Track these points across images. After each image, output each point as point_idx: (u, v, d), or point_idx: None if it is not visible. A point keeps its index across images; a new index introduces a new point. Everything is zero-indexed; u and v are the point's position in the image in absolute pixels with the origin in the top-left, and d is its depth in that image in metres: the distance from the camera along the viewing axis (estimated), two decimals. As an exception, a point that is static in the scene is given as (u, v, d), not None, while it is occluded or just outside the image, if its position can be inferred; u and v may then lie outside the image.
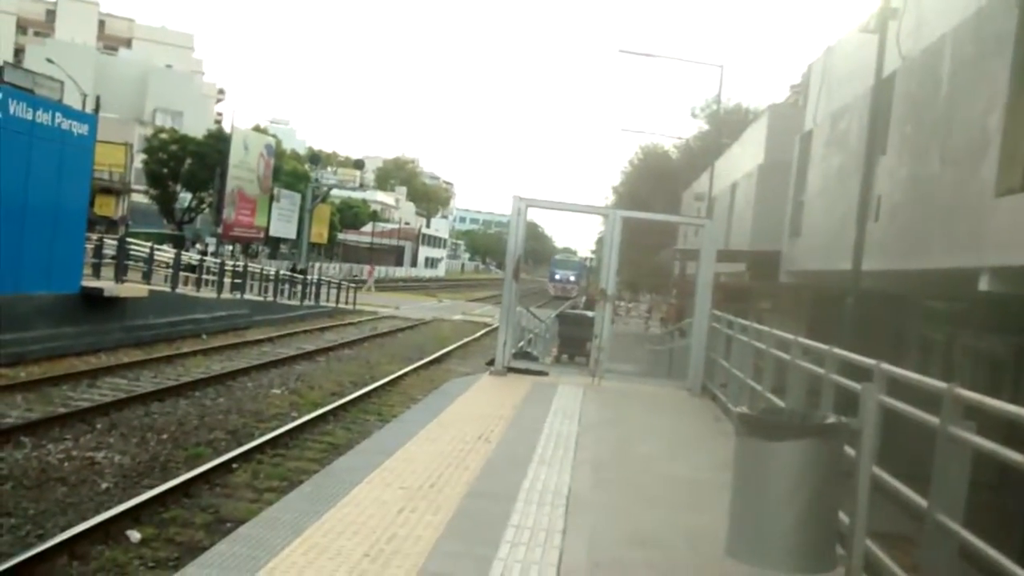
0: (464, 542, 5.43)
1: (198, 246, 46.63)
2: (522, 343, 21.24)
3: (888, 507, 6.14)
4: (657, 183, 49.76)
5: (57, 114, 19.10)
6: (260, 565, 4.69)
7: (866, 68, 12.65)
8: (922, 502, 4.78)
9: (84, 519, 9.11)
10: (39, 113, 18.40)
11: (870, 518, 6.05)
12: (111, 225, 48.80)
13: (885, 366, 5.69)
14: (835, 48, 16.27)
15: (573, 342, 20.60)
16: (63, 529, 8.78)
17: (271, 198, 60.47)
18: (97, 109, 26.59)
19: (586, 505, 6.56)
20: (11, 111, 17.52)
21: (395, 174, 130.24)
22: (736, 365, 11.05)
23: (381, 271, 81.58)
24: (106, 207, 52.69)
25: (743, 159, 25.29)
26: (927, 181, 10.49)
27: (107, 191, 53.62)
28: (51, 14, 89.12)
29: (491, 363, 14.95)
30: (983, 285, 8.64)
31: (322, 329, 32.19)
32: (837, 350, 6.85)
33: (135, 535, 8.97)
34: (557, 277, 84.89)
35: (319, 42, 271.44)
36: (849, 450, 5.08)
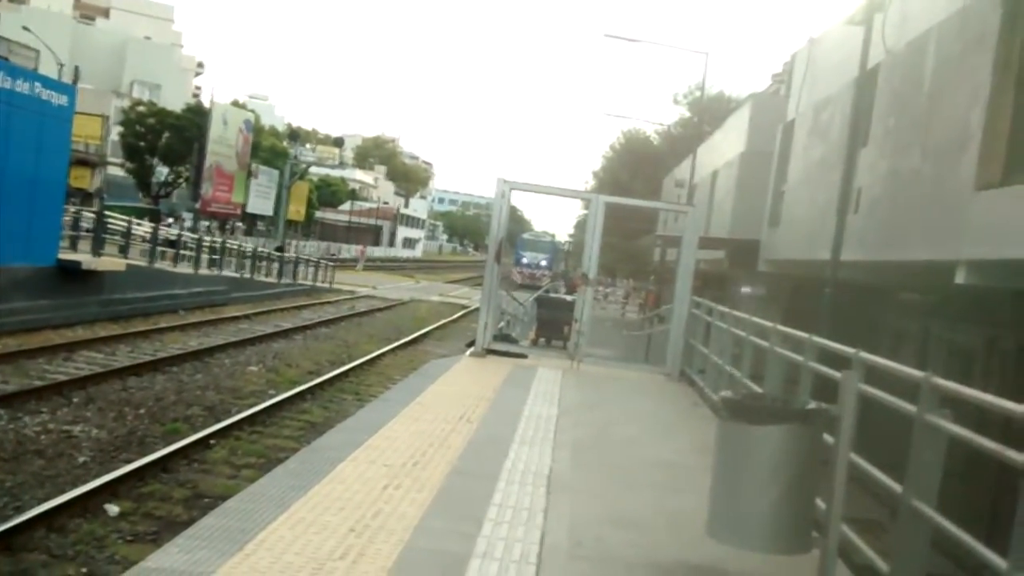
0: (448, 519, 5.51)
1: (174, 221, 46.29)
2: (501, 324, 21.31)
3: (858, 494, 6.28)
4: (638, 168, 49.89)
5: (36, 84, 18.91)
6: (248, 538, 4.75)
7: (850, 60, 12.77)
8: (897, 488, 4.90)
9: (62, 492, 9.11)
10: (18, 83, 18.20)
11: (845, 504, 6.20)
12: (86, 197, 48.36)
13: (864, 354, 5.81)
14: (820, 39, 16.39)
15: (551, 326, 20.65)
16: (41, 502, 8.78)
17: (249, 174, 60.13)
18: (76, 80, 26.29)
19: (567, 486, 6.66)
20: (-11, 80, 17.34)
21: (374, 153, 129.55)
22: (715, 351, 11.19)
23: (359, 250, 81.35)
24: (81, 179, 52.18)
25: (724, 147, 25.42)
26: (908, 174, 10.63)
27: (83, 163, 53.07)
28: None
29: (471, 345, 15.01)
30: (959, 278, 8.79)
31: (299, 307, 32.13)
32: (816, 338, 6.97)
33: (113, 509, 8.99)
34: (524, 261, 69.29)
35: (300, 18, 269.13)
36: (828, 437, 5.20)
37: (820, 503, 5.25)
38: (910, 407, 4.90)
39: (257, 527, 4.92)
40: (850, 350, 5.98)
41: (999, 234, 8.04)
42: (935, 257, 9.39)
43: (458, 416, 8.65)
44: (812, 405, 4.83)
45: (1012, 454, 3.85)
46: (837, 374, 5.78)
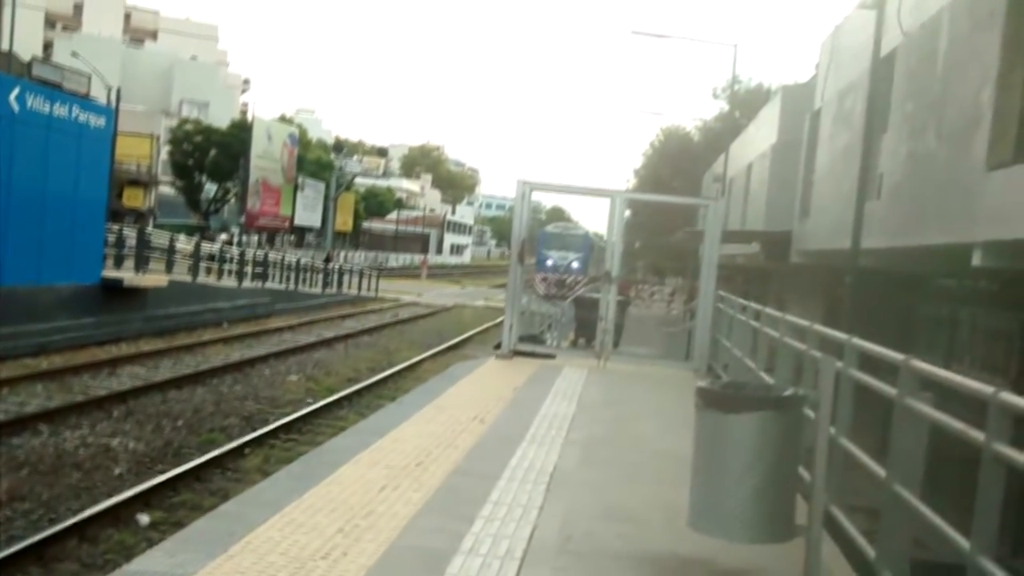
0: (440, 517, 5.56)
1: (223, 236, 47.15)
2: (542, 329, 21.32)
3: (864, 482, 6.20)
4: (679, 165, 49.61)
5: (74, 107, 19.44)
6: (236, 540, 4.85)
7: (870, 45, 12.60)
8: (881, 472, 4.85)
9: (96, 503, 9.37)
10: (56, 107, 18.73)
11: (849, 492, 6.14)
12: (139, 216, 49.48)
13: (856, 340, 5.75)
14: (843, 26, 16.18)
15: (589, 326, 20.57)
16: (75, 513, 9.04)
17: (296, 187, 60.99)
18: (117, 101, 26.97)
19: (569, 482, 6.67)
20: (28, 105, 17.86)
21: (421, 161, 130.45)
22: (736, 344, 11.10)
23: (406, 259, 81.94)
24: (134, 199, 53.45)
25: (758, 140, 25.19)
26: (924, 158, 10.46)
27: (135, 183, 54.36)
28: (78, 8, 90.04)
29: (498, 347, 15.07)
30: (976, 260, 8.64)
31: (343, 317, 32.48)
32: (817, 326, 6.90)
33: (144, 518, 9.22)
34: (550, 264, 51.68)
35: (344, 31, 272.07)
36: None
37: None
38: (891, 391, 4.85)
39: (246, 529, 5.01)
40: (843, 336, 5.92)
41: (1012, 213, 7.88)
42: (953, 240, 9.23)
43: (471, 416, 8.70)
44: (788, 391, 4.80)
45: (975, 433, 3.80)
46: (837, 361, 5.73)
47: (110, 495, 9.78)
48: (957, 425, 4.02)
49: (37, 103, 18.08)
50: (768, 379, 8.32)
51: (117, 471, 10.96)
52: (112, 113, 21.95)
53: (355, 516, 5.42)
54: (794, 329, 7.80)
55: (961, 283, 12.58)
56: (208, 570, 4.43)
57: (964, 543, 3.76)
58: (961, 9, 9.64)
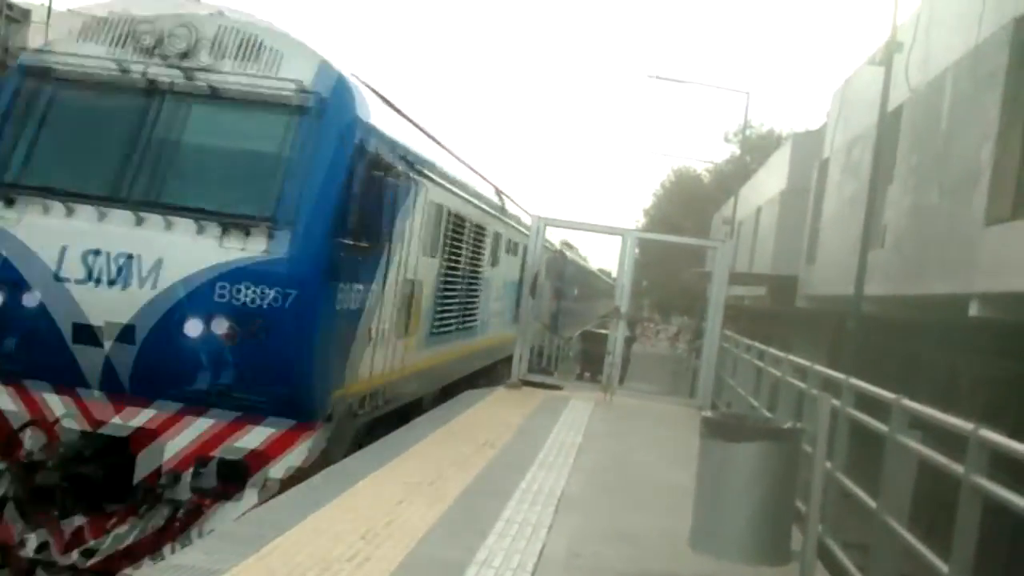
0: (455, 531, 5.89)
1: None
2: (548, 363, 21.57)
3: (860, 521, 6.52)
4: (688, 206, 50.11)
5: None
6: (265, 542, 5.18)
7: (880, 99, 13.02)
8: (872, 504, 5.18)
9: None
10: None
11: (847, 529, 6.46)
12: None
13: (852, 380, 6.09)
14: (852, 79, 16.65)
15: (595, 360, 20.88)
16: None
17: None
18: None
19: (576, 505, 6.99)
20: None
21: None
22: (739, 383, 11.42)
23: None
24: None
25: (767, 185, 25.64)
26: (927, 210, 10.85)
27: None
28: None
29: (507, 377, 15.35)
30: (973, 310, 9.00)
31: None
32: (817, 367, 7.25)
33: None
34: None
35: (363, 57, 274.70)
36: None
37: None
38: (883, 427, 5.19)
39: (275, 532, 5.35)
40: (840, 376, 6.26)
41: (1008, 267, 8.25)
42: (951, 290, 9.59)
43: (482, 442, 9.01)
44: (787, 424, 5.14)
45: (955, 467, 4.14)
46: (832, 398, 6.09)
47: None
48: (940, 459, 4.35)
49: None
50: (769, 415, 8.65)
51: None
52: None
53: (375, 526, 5.75)
54: (795, 369, 8.14)
55: (961, 332, 12.90)
56: (241, 567, 4.76)
57: (941, 565, 4.09)
58: (964, 69, 10.08)
